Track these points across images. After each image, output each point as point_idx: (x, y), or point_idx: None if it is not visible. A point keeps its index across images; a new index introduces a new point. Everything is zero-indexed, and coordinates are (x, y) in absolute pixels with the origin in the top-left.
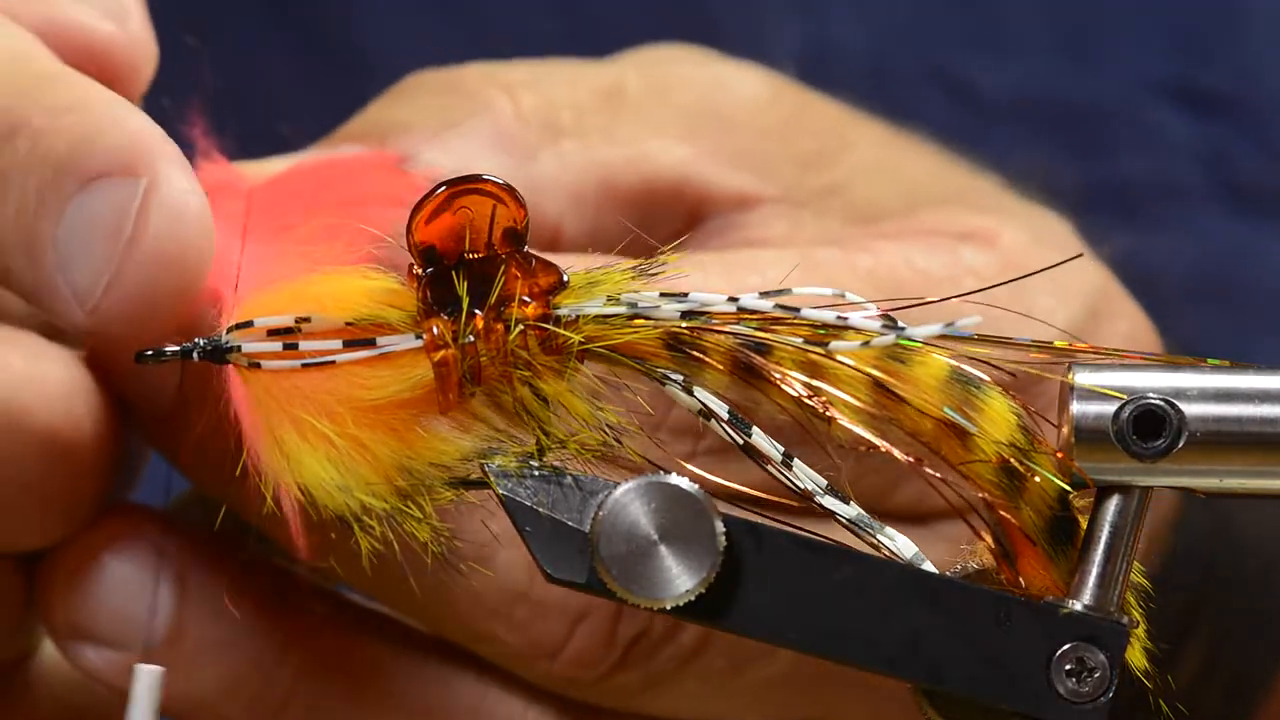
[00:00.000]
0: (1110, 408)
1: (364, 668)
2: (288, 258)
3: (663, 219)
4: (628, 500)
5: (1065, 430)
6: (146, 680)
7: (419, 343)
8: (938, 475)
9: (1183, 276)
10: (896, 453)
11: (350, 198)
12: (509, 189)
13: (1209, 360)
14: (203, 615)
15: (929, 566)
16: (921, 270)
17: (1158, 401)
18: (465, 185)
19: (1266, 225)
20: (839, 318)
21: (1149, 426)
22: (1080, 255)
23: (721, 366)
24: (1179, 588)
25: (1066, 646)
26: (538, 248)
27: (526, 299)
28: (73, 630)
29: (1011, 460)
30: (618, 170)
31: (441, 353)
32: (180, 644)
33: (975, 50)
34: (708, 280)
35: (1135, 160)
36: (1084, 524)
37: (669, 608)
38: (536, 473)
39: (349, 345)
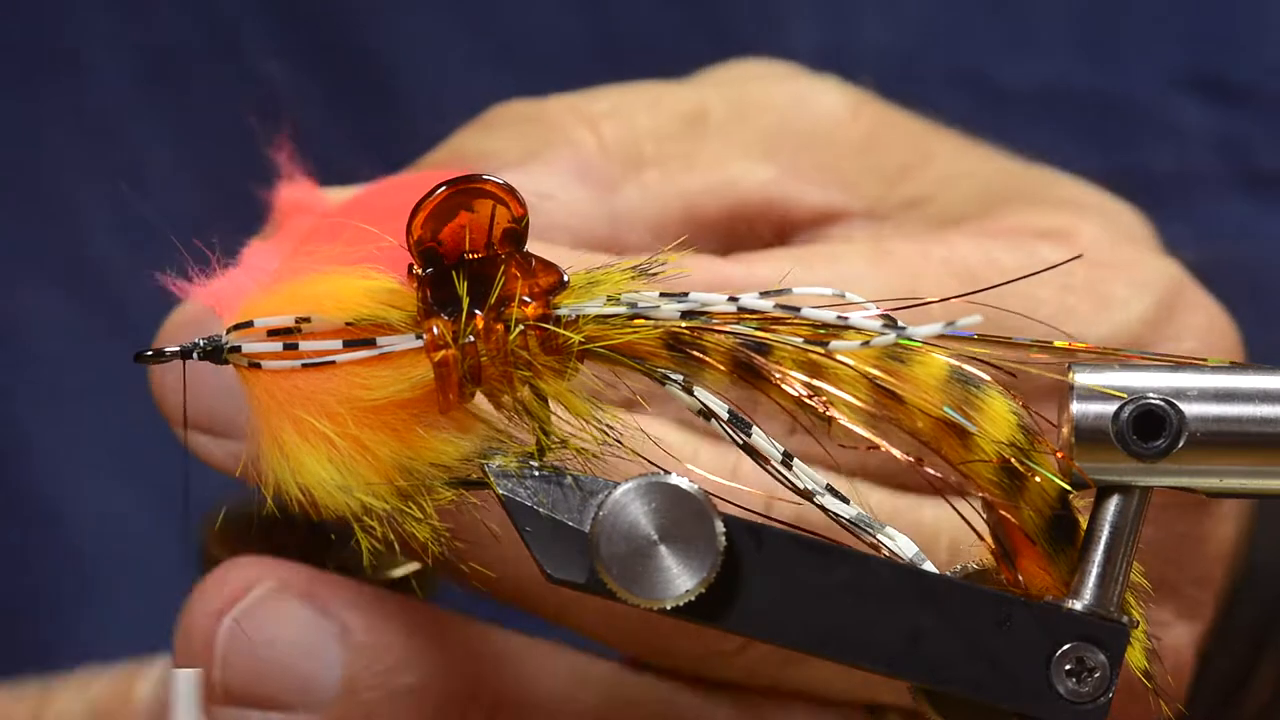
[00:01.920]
0: (1110, 408)
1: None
2: (292, 255)
3: (748, 240)
4: (627, 500)
5: (1065, 430)
6: (185, 684)
7: (419, 343)
8: (938, 475)
9: (1203, 266)
10: (896, 453)
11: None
12: (509, 189)
13: (1209, 360)
14: (371, 662)
15: (929, 566)
16: (997, 263)
17: (1158, 401)
18: (466, 185)
19: None
20: (839, 317)
21: (1149, 426)
22: (1079, 256)
23: (722, 366)
24: (1253, 602)
25: (1066, 646)
26: None
27: (526, 299)
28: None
29: (1012, 460)
30: (701, 198)
31: (441, 353)
32: (355, 697)
33: (997, 45)
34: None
35: (1157, 151)
36: (1084, 524)
37: (669, 608)
38: (536, 473)
39: (349, 345)
